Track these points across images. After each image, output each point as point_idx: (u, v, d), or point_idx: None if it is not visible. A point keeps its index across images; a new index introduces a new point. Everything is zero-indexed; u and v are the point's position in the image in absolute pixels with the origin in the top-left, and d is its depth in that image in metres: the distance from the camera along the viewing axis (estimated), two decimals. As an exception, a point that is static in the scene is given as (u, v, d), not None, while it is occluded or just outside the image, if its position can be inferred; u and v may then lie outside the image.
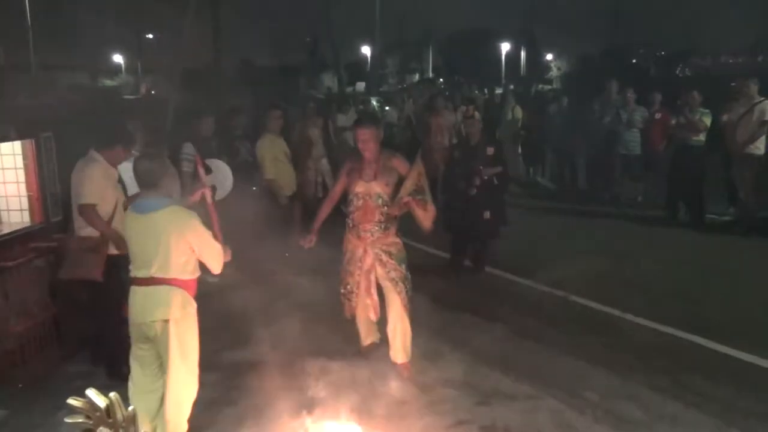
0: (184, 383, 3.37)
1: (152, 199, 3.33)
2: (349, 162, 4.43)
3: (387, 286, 4.31)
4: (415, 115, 11.95)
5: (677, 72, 34.30)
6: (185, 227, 3.30)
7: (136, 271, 3.36)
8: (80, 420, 1.40)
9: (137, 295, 3.34)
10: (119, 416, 1.39)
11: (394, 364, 4.38)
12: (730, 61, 41.97)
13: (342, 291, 4.48)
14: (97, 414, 1.38)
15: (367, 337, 4.69)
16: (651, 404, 3.97)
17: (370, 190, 4.25)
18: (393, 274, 4.28)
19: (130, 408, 1.45)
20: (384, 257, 4.28)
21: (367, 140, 4.22)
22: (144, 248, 3.32)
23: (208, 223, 3.53)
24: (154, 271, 3.28)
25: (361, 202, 4.27)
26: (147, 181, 3.35)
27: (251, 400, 4.08)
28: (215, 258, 3.44)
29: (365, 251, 4.30)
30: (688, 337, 4.98)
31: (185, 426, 3.43)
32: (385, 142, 4.61)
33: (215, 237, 3.51)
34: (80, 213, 4.34)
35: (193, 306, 3.42)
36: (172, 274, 3.31)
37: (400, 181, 4.26)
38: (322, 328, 5.09)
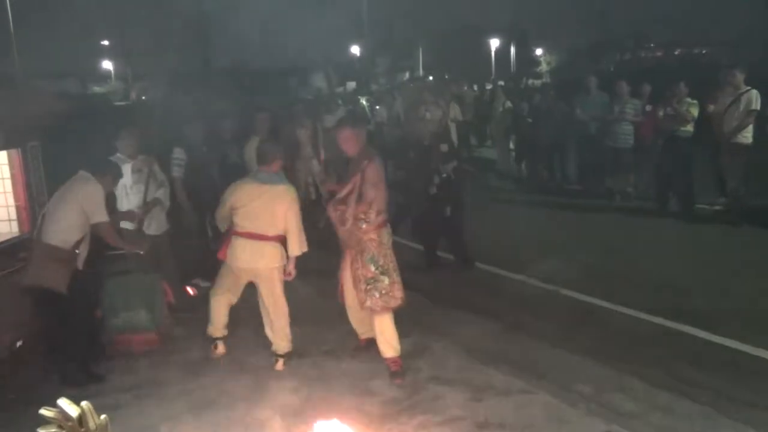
0: (282, 306, 4.56)
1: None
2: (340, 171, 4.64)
3: (356, 285, 4.32)
4: (404, 113, 11.93)
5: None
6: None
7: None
8: (53, 430, 1.39)
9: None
10: (91, 425, 1.39)
11: (384, 359, 4.35)
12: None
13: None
14: (70, 423, 1.38)
15: (363, 332, 4.69)
16: (643, 395, 3.97)
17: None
18: (359, 272, 4.29)
19: (102, 416, 1.44)
20: (356, 255, 4.31)
21: (345, 140, 4.39)
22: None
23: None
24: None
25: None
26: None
27: (244, 400, 4.07)
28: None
29: (347, 247, 4.41)
30: (680, 328, 4.99)
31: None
32: (375, 141, 4.67)
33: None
34: (100, 231, 4.40)
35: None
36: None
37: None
38: (315, 328, 5.08)
